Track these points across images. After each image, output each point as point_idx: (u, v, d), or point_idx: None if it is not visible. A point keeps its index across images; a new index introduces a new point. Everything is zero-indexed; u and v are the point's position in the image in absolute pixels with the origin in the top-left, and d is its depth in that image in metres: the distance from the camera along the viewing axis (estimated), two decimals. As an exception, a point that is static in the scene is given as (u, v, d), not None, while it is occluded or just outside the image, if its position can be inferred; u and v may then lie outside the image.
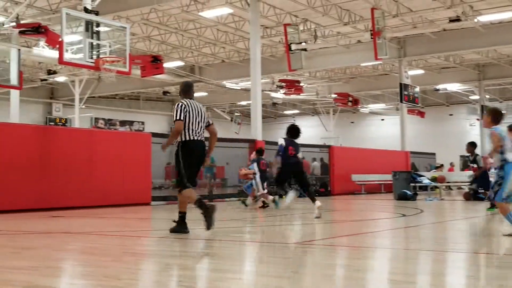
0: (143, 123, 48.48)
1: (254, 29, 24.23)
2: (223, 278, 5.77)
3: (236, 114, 47.74)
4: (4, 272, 6.11)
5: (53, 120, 42.66)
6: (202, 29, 30.71)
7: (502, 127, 9.07)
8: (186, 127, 9.24)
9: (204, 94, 46.10)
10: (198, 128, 9.34)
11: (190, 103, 9.38)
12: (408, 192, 21.45)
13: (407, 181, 22.73)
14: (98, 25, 16.27)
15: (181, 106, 9.27)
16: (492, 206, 13.08)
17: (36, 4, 25.06)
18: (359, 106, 45.50)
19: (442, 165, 33.17)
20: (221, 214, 14.80)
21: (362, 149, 34.19)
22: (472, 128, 47.65)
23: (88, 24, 16.03)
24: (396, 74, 34.85)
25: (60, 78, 36.69)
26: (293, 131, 13.67)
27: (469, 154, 17.15)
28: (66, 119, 42.68)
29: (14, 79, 20.03)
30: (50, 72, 34.22)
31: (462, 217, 13.57)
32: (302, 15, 28.17)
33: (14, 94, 26.77)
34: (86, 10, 16.05)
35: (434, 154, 38.41)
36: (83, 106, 36.86)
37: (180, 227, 9.41)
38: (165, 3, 24.82)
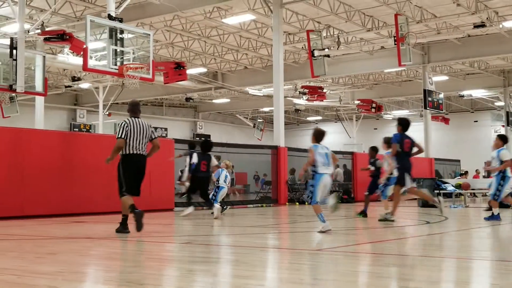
0: (166, 129, 48.67)
1: (276, 35, 24.23)
2: (246, 284, 5.75)
3: (258, 120, 47.77)
4: (29, 277, 6.15)
5: (78, 126, 43.00)
6: (225, 36, 30.79)
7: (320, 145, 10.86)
8: (127, 143, 10.51)
9: (227, 100, 46.21)
10: (138, 144, 10.58)
11: (132, 122, 10.59)
12: (432, 199, 21.26)
13: (431, 188, 22.55)
14: (122, 32, 16.36)
15: (123, 125, 10.54)
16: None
17: (61, 12, 25.30)
18: (383, 113, 45.30)
19: (466, 172, 32.87)
20: (243, 220, 14.79)
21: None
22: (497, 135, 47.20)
23: (112, 31, 16.13)
24: (420, 80, 34.65)
25: (84, 85, 37.04)
26: (204, 146, 15.70)
27: (370, 157, 17.12)
28: (90, 125, 42.99)
29: (39, 86, 20.20)
30: (75, 79, 34.53)
31: (487, 225, 13.40)
32: (325, 21, 28.13)
33: (39, 100, 27.04)
34: (110, 17, 16.15)
35: (458, 161, 38.08)
36: (107, 113, 37.16)
37: (123, 227, 10.64)
38: (188, 10, 24.94)
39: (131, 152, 10.59)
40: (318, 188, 10.69)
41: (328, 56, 26.77)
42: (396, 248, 9.14)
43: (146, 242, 9.83)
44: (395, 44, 24.55)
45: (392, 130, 54.25)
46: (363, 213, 15.61)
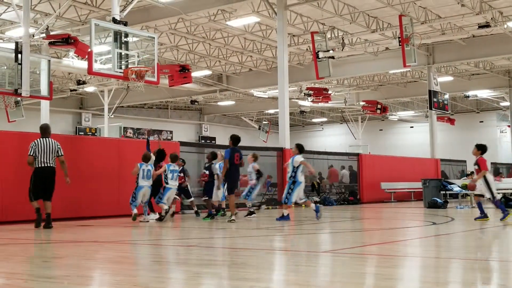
0: (171, 132, 48.71)
1: (281, 37, 24.22)
2: (253, 287, 5.74)
3: (264, 122, 47.78)
4: (35, 281, 6.16)
5: (83, 130, 43.06)
6: (229, 38, 30.81)
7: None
8: (36, 159, 13.21)
9: (232, 102, 46.22)
10: (45, 159, 13.27)
11: (40, 142, 13.33)
12: (439, 200, 21.25)
13: (437, 189, 22.51)
14: (126, 35, 16.35)
15: (32, 145, 13.28)
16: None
17: (66, 16, 25.34)
18: (388, 114, 45.25)
19: (473, 173, 32.74)
20: (249, 222, 14.78)
21: (391, 156, 33.98)
22: (503, 135, 47.12)
23: (117, 35, 16.13)
24: (425, 81, 34.60)
25: (89, 88, 37.11)
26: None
27: (207, 161, 17.09)
28: (95, 128, 43.05)
29: (44, 90, 20.19)
30: (80, 83, 34.60)
31: (493, 225, 13.37)
32: (329, 22, 28.12)
33: (44, 104, 27.09)
34: (114, 20, 16.15)
35: (464, 161, 37.94)
36: (112, 116, 37.22)
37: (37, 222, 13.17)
38: (192, 12, 24.96)
39: (39, 165, 13.23)
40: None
41: (332, 57, 26.74)
42: (403, 250, 9.12)
43: (152, 245, 9.84)
44: (399, 45, 24.51)
45: (398, 131, 54.22)
46: (211, 216, 16.03)
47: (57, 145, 13.52)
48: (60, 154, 13.55)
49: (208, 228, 13.53)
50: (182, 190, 17.07)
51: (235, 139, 15.22)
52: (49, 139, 13.54)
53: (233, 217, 14.52)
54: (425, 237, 10.96)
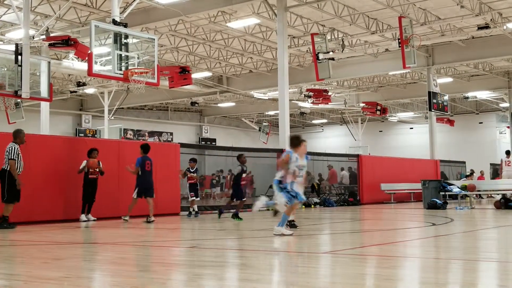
0: (171, 133, 48.71)
1: (281, 39, 24.22)
2: (252, 288, 5.76)
3: (264, 124, 47.77)
4: (35, 282, 6.17)
5: (83, 132, 43.04)
6: (229, 40, 30.82)
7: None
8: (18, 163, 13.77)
9: (232, 104, 46.21)
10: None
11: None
12: (438, 201, 21.25)
13: (437, 190, 22.50)
14: (126, 37, 16.36)
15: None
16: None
17: (66, 17, 25.35)
18: (388, 115, 45.25)
19: (472, 174, 32.79)
20: (249, 224, 14.79)
21: (391, 158, 33.98)
22: (502, 136, 47.12)
23: (117, 36, 16.13)
24: (425, 83, 34.60)
25: (90, 90, 37.09)
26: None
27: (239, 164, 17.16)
28: (95, 130, 43.04)
29: (44, 92, 20.19)
30: (80, 84, 34.59)
31: (493, 226, 13.39)
32: (329, 24, 28.13)
33: (44, 106, 27.09)
34: (114, 22, 16.16)
35: (464, 162, 38.01)
36: (112, 118, 37.22)
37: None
38: (192, 14, 24.97)
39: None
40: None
41: (332, 59, 26.77)
42: (403, 250, 9.13)
43: (151, 246, 9.85)
44: (399, 46, 24.51)
45: (397, 132, 54.20)
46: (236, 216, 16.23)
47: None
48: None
49: (209, 229, 13.54)
50: (193, 189, 17.75)
51: (144, 147, 16.10)
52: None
53: (152, 218, 15.47)
54: (424, 238, 10.97)
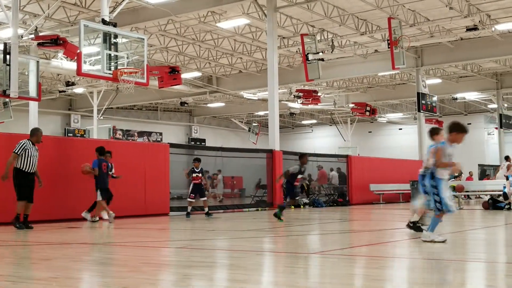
0: (161, 134, 48.64)
1: (271, 39, 24.24)
2: (241, 288, 5.76)
3: (253, 124, 47.80)
4: (24, 283, 6.14)
5: (72, 131, 42.90)
6: (219, 40, 30.81)
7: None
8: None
9: (222, 104, 46.22)
10: None
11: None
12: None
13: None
14: (116, 36, 16.34)
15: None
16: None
17: (55, 16, 25.27)
18: (377, 116, 45.37)
19: (460, 174, 32.89)
20: (240, 224, 14.79)
21: (380, 158, 34.06)
22: (490, 137, 47.34)
23: (106, 36, 16.11)
24: (414, 84, 34.73)
25: (78, 90, 37.00)
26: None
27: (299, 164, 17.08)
28: (84, 130, 42.91)
29: (32, 91, 20.15)
30: (69, 84, 34.47)
31: (481, 226, 13.44)
32: (319, 25, 28.18)
33: (33, 105, 26.96)
34: (104, 22, 16.14)
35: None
36: (101, 117, 37.13)
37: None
38: (182, 14, 24.95)
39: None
40: None
41: (322, 59, 26.82)
42: (392, 251, 9.16)
43: (141, 247, 9.83)
44: (388, 47, 24.61)
45: (387, 133, 54.22)
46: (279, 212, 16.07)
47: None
48: None
49: (200, 229, 13.53)
50: (199, 190, 17.59)
51: (100, 150, 15.89)
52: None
53: (97, 218, 15.72)
54: (413, 238, 10.99)
